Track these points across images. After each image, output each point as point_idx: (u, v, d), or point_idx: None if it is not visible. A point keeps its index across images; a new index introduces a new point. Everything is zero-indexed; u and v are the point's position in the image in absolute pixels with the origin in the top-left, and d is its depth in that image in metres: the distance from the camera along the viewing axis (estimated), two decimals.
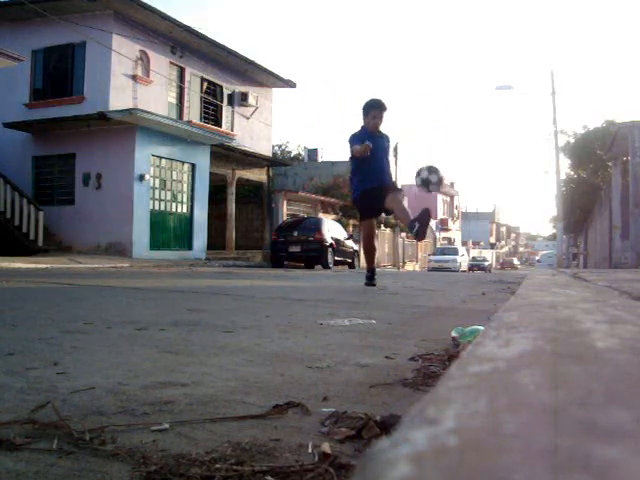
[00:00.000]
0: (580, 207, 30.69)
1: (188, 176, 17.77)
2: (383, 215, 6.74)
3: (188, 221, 17.74)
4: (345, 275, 11.53)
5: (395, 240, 31.60)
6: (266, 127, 23.08)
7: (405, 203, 6.38)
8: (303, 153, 37.52)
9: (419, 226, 5.64)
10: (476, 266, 40.71)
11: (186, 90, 19.11)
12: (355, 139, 6.31)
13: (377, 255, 6.72)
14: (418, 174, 6.00)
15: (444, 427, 0.45)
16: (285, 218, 21.96)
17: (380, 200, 6.21)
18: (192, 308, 3.44)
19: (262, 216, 23.33)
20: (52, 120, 15.67)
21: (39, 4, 15.27)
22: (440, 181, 5.94)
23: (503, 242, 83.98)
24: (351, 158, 6.44)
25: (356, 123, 6.86)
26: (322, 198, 26.42)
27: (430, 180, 5.91)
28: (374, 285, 6.41)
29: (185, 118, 18.71)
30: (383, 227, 32.51)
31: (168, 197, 16.97)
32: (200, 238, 18.07)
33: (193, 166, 17.80)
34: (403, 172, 40.48)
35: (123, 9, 15.94)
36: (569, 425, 0.46)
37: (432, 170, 5.94)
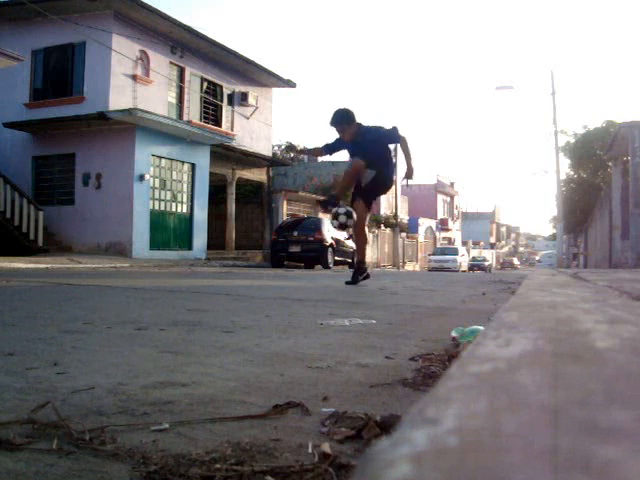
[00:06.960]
0: (580, 207, 30.70)
1: (188, 176, 17.77)
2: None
3: (188, 221, 17.74)
4: (345, 275, 11.50)
5: (395, 240, 31.59)
6: (266, 127, 23.08)
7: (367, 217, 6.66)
8: None
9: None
10: (476, 266, 40.70)
11: (186, 90, 19.11)
12: (329, 145, 6.69)
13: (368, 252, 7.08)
14: (336, 217, 6.28)
15: (444, 427, 0.45)
16: (285, 218, 21.95)
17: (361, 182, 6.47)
18: (192, 308, 3.44)
19: (262, 216, 23.32)
20: (52, 120, 15.67)
21: (39, 4, 15.27)
22: (351, 225, 6.41)
23: (503, 242, 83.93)
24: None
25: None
26: (322, 198, 26.40)
27: (347, 224, 6.33)
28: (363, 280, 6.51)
29: (185, 118, 18.71)
30: (383, 227, 32.50)
31: (168, 197, 16.97)
32: (200, 238, 18.07)
33: (193, 166, 17.80)
34: (402, 171, 40.39)
35: (123, 9, 15.94)
36: (569, 425, 0.46)
37: (349, 215, 6.32)
